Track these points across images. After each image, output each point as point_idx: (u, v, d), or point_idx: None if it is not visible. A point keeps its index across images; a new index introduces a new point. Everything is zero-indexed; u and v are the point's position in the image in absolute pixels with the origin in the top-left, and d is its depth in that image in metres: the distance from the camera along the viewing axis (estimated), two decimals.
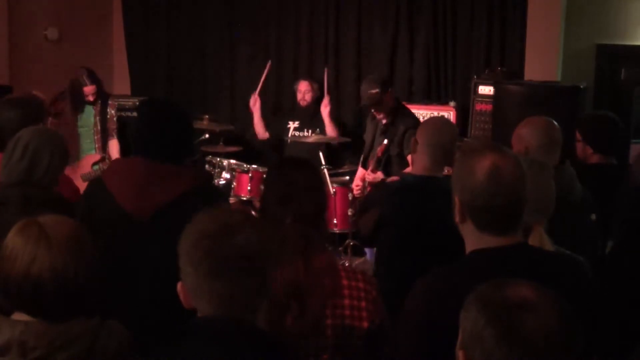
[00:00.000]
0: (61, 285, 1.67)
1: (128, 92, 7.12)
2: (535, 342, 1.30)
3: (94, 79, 5.40)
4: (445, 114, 5.61)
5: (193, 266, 1.51)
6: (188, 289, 1.55)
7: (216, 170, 5.62)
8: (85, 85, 5.34)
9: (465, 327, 1.38)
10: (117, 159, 4.86)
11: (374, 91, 5.00)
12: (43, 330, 1.67)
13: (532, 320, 1.32)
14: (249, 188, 5.40)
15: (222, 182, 5.57)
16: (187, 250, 1.53)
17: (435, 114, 5.57)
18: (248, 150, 6.41)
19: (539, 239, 2.06)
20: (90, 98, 5.38)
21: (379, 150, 4.81)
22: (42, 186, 2.79)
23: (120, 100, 6.34)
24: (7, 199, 2.68)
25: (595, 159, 3.78)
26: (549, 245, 2.11)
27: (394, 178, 4.18)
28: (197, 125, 5.73)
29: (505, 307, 1.34)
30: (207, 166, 5.72)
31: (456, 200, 1.88)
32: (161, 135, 2.61)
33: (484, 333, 1.33)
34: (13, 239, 1.71)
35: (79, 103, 5.36)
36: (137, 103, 6.09)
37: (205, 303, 1.53)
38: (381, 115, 5.09)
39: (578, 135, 3.80)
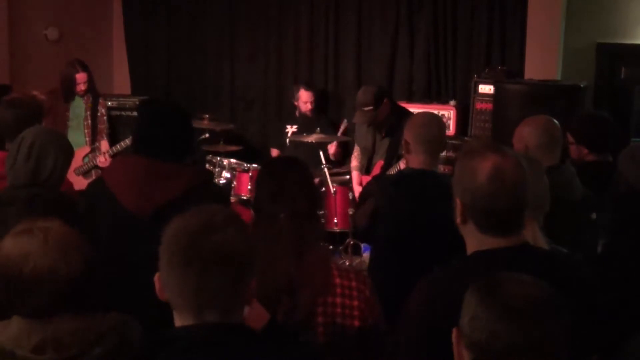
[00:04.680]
0: (56, 284, 1.67)
1: (128, 92, 7.13)
2: (514, 304, 1.35)
3: (86, 68, 5.42)
4: (446, 113, 5.63)
5: (169, 255, 1.53)
6: (162, 279, 1.56)
7: (216, 170, 5.62)
8: (78, 72, 5.36)
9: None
10: (117, 158, 4.87)
11: (367, 109, 5.02)
12: (75, 328, 1.67)
13: (514, 287, 1.38)
14: (249, 187, 5.40)
15: (223, 181, 5.57)
16: (166, 239, 1.55)
17: (436, 113, 5.57)
18: (248, 149, 6.42)
19: (532, 234, 2.05)
20: (82, 87, 5.39)
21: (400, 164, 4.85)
22: (48, 186, 2.79)
23: (120, 99, 6.37)
24: (14, 200, 2.68)
25: (591, 157, 3.77)
26: (542, 242, 2.11)
27: None
28: (197, 124, 5.73)
29: (492, 279, 1.42)
30: (207, 165, 5.72)
31: (457, 201, 1.87)
32: (161, 134, 2.62)
33: (469, 299, 1.40)
34: (12, 242, 1.71)
35: (70, 93, 5.38)
36: (137, 103, 6.12)
37: (174, 295, 1.53)
38: (379, 127, 5.13)
39: (570, 138, 3.78)
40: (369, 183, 3.44)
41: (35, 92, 4.61)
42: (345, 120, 6.02)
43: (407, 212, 2.87)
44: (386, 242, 2.97)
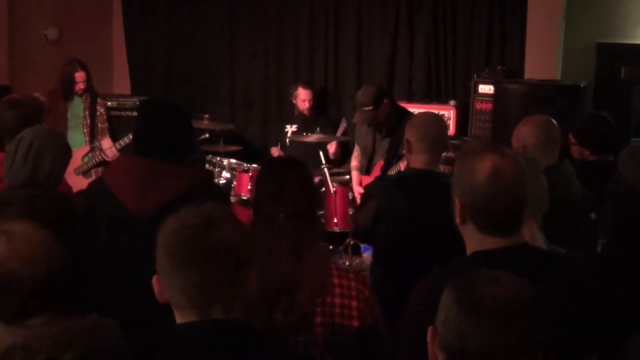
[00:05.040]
0: (34, 285, 1.66)
1: (128, 92, 7.13)
2: (486, 305, 1.33)
3: (84, 67, 5.43)
4: (446, 113, 5.63)
5: (169, 255, 1.53)
6: (162, 280, 1.56)
7: (216, 170, 5.62)
8: (77, 71, 5.36)
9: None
10: (118, 159, 4.88)
11: (366, 109, 5.01)
12: (45, 333, 1.65)
13: (489, 287, 1.36)
14: (249, 187, 5.40)
15: (223, 181, 5.57)
16: (164, 240, 1.55)
17: (436, 112, 5.58)
18: (248, 149, 6.42)
19: (530, 234, 2.05)
20: (81, 86, 5.40)
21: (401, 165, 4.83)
22: (47, 186, 2.78)
23: (120, 99, 6.37)
24: (13, 201, 2.68)
25: (593, 158, 3.77)
26: (540, 242, 2.11)
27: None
28: (197, 124, 5.73)
29: (468, 280, 1.40)
30: (207, 165, 5.72)
31: (456, 201, 1.87)
32: (162, 134, 2.62)
33: (444, 299, 1.39)
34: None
35: (69, 92, 5.38)
36: (137, 103, 6.12)
37: (177, 294, 1.53)
38: (378, 127, 5.13)
39: (572, 139, 3.77)
40: (371, 183, 3.44)
41: (36, 94, 4.61)
42: (344, 120, 6.02)
43: (408, 213, 2.87)
44: (387, 242, 2.97)
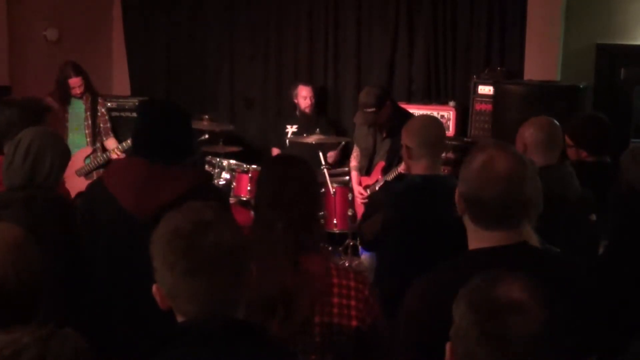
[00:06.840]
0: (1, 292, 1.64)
1: (128, 92, 7.12)
2: (516, 346, 1.31)
3: (80, 71, 5.39)
4: (445, 114, 5.63)
5: (169, 267, 1.50)
6: (164, 290, 1.54)
7: (216, 171, 5.62)
8: (70, 77, 5.33)
9: (454, 319, 1.39)
10: (117, 160, 4.86)
11: (369, 110, 4.99)
12: None
13: (516, 324, 1.32)
14: (248, 188, 5.40)
15: (222, 182, 5.57)
16: (161, 252, 1.52)
17: (435, 113, 5.58)
18: (248, 150, 6.42)
19: (525, 233, 2.05)
20: (77, 90, 5.36)
21: (401, 168, 4.82)
22: (45, 187, 2.77)
23: (120, 100, 6.36)
24: (11, 202, 2.66)
25: (589, 159, 3.77)
26: (535, 241, 2.10)
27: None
28: (197, 125, 5.72)
29: (492, 308, 1.35)
30: (206, 166, 5.72)
31: (456, 192, 1.90)
32: (161, 135, 2.61)
33: (468, 330, 1.35)
34: None
35: (65, 96, 5.35)
36: (137, 103, 6.11)
37: (183, 303, 1.51)
38: (380, 128, 5.12)
39: (569, 141, 3.78)
40: (375, 193, 3.40)
41: (48, 99, 4.58)
42: (342, 143, 5.99)
43: (418, 222, 2.84)
44: (397, 252, 2.93)
